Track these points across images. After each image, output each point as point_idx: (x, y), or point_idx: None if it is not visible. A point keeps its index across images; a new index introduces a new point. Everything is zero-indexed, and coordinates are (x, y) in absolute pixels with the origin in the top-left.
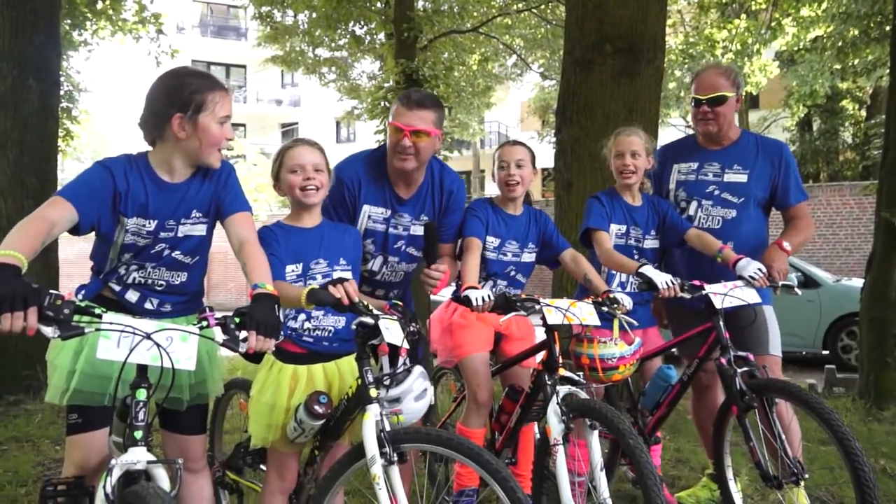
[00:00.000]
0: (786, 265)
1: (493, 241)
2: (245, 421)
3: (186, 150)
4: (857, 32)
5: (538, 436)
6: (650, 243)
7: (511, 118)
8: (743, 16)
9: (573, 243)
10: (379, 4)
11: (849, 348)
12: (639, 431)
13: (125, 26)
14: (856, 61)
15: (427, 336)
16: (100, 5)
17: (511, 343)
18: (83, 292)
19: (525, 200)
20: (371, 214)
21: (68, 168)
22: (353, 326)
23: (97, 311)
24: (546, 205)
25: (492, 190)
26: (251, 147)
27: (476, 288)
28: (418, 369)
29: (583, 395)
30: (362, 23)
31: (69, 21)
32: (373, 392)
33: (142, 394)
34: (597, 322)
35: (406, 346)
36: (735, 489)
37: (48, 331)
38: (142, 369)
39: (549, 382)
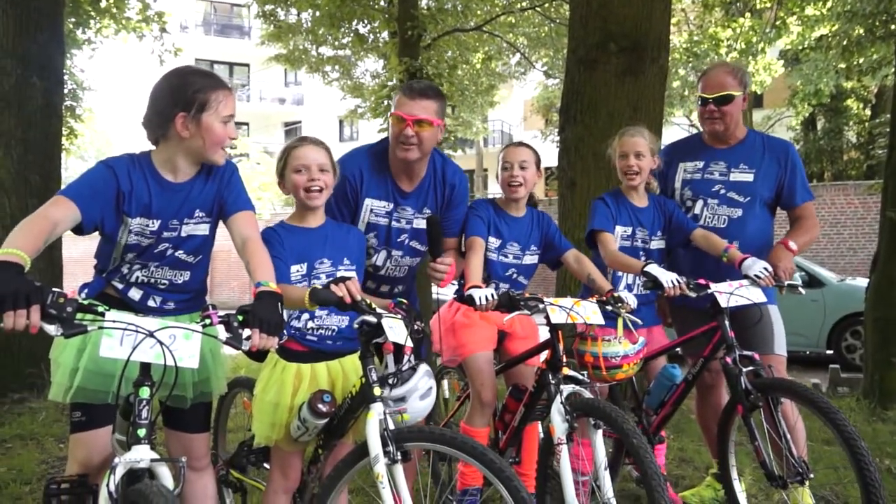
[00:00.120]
0: (792, 265)
1: (494, 242)
2: (248, 419)
3: (190, 150)
4: (862, 31)
5: (542, 435)
6: (657, 244)
7: (514, 117)
8: (747, 14)
9: (577, 242)
10: (382, 3)
11: (853, 348)
12: (643, 431)
13: (129, 24)
14: (861, 60)
15: (430, 335)
16: (103, 3)
17: (514, 341)
18: (86, 291)
19: (530, 202)
20: (373, 208)
21: (72, 166)
22: (356, 325)
23: (100, 308)
24: (549, 204)
25: (495, 189)
26: (254, 146)
27: (480, 287)
28: (423, 367)
29: (586, 394)
30: (366, 21)
31: (73, 19)
32: (376, 391)
33: (145, 392)
34: (601, 321)
35: (410, 344)
36: (739, 489)
37: (51, 329)
38: (145, 367)
39: (553, 381)
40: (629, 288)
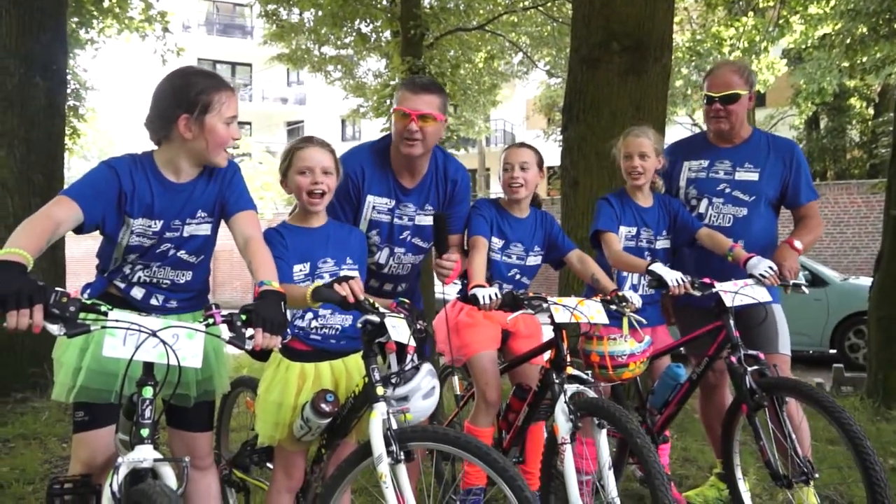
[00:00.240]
0: (797, 264)
1: (497, 243)
2: (252, 419)
3: (193, 151)
4: (865, 30)
5: (546, 434)
6: (662, 244)
7: (517, 116)
8: (750, 13)
9: (579, 241)
10: (385, 2)
11: (856, 347)
12: (647, 430)
13: (131, 24)
14: (864, 59)
15: (434, 335)
16: (106, 3)
17: (518, 341)
18: (89, 290)
19: (533, 203)
20: (375, 205)
21: (75, 166)
22: (359, 324)
23: (103, 308)
24: (552, 203)
25: (497, 188)
26: (257, 145)
27: (483, 286)
28: (426, 367)
29: (591, 393)
30: (368, 20)
31: (76, 19)
32: (379, 390)
33: (148, 391)
34: (605, 320)
35: (413, 343)
36: (744, 488)
37: (54, 328)
38: (148, 367)
39: (557, 381)
40: (634, 288)
